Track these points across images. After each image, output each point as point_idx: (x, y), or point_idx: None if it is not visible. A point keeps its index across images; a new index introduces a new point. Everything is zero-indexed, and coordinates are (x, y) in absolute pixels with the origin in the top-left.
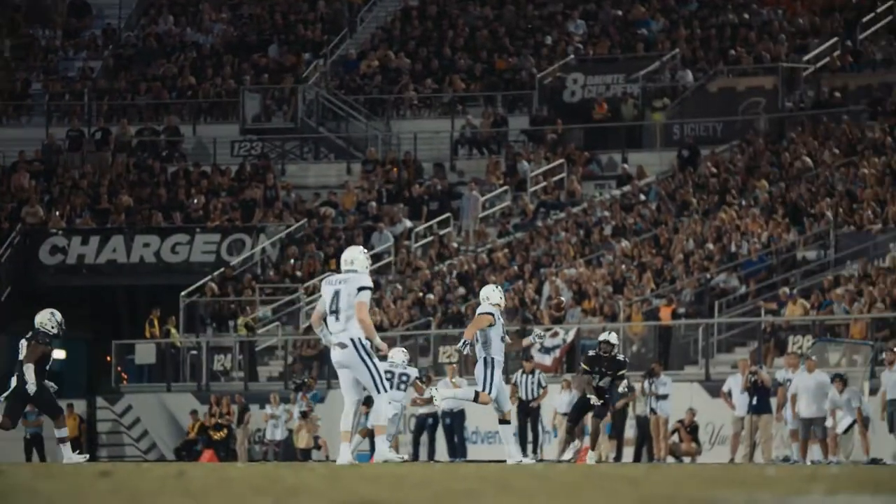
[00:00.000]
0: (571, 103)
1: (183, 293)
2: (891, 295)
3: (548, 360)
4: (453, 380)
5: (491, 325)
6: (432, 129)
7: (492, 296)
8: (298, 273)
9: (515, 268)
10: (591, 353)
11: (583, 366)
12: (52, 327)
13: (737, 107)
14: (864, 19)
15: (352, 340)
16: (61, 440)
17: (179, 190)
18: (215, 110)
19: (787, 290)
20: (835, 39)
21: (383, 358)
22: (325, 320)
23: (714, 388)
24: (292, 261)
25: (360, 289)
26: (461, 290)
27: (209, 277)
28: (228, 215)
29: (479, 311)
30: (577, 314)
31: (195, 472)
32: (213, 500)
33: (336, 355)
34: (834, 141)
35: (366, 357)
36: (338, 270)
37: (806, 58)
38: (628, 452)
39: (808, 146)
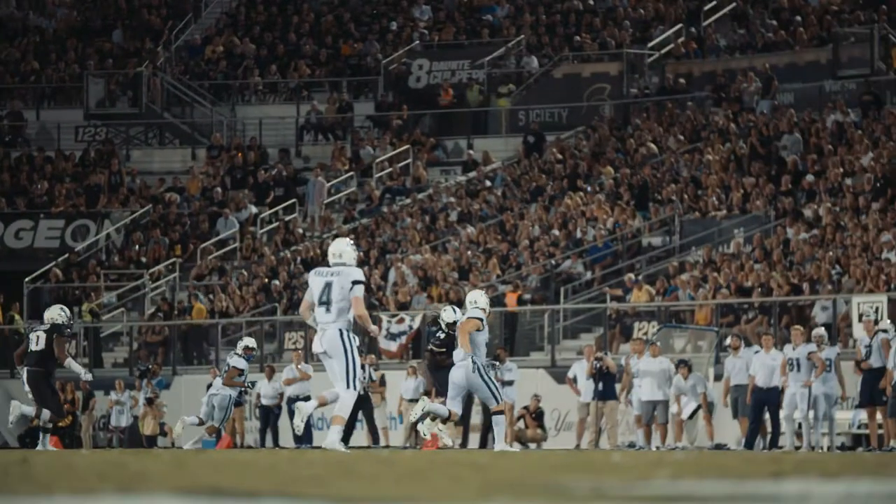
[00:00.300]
0: (417, 89)
1: (27, 279)
2: (735, 281)
3: (393, 346)
4: (299, 366)
5: (479, 330)
6: (277, 114)
7: (479, 300)
8: (143, 259)
9: (361, 254)
10: (440, 334)
11: (433, 347)
12: (62, 321)
13: (582, 93)
14: (707, 7)
15: (339, 331)
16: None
17: (23, 175)
18: (59, 95)
19: (632, 276)
20: (679, 26)
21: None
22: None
23: (560, 374)
24: (137, 247)
25: (355, 283)
26: (306, 276)
27: (53, 263)
28: (73, 201)
29: (466, 315)
30: (422, 300)
31: (39, 459)
32: (57, 487)
33: (318, 346)
34: (678, 127)
35: (348, 348)
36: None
37: (650, 44)
38: (474, 438)
39: (653, 132)
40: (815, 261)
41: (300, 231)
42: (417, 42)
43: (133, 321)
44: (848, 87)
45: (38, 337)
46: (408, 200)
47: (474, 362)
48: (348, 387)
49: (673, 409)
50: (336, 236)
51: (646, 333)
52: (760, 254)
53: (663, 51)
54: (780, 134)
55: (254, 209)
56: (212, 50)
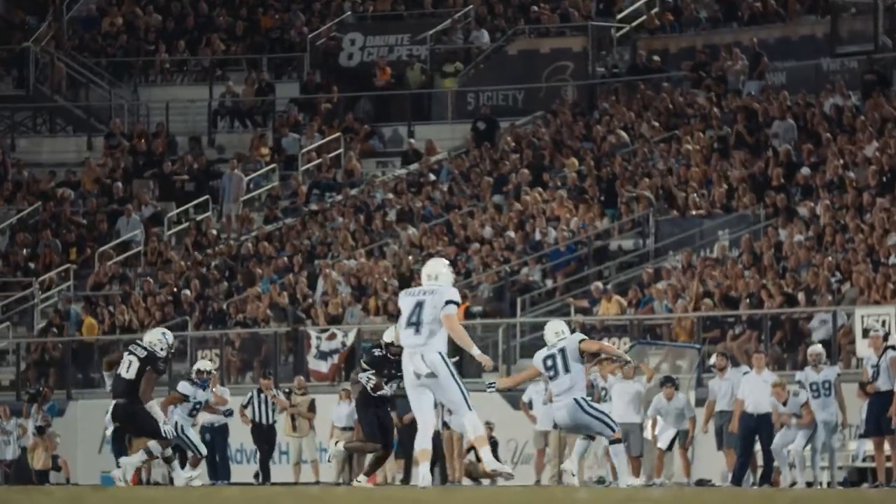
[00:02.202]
0: (349, 68)
1: None
2: (720, 289)
3: (324, 367)
4: (214, 389)
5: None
6: (187, 97)
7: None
8: (32, 265)
9: (285, 259)
10: (375, 352)
11: (363, 365)
12: (162, 349)
13: (540, 72)
14: None
15: (440, 354)
16: None
17: None
18: None
19: (599, 284)
20: None
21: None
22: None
23: (516, 398)
24: (25, 250)
25: (448, 302)
26: (223, 285)
27: None
28: None
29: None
30: (356, 313)
31: None
32: None
33: (421, 367)
34: (652, 112)
35: (452, 370)
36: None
37: (619, 16)
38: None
39: (623, 118)
40: (811, 267)
41: (214, 232)
42: (349, 13)
43: (21, 337)
44: (848, 65)
45: (130, 363)
46: (339, 197)
47: (576, 400)
48: (469, 409)
49: (646, 433)
50: (256, 239)
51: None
52: (749, 259)
53: (634, 24)
54: (770, 120)
55: (158, 207)
56: (110, 22)
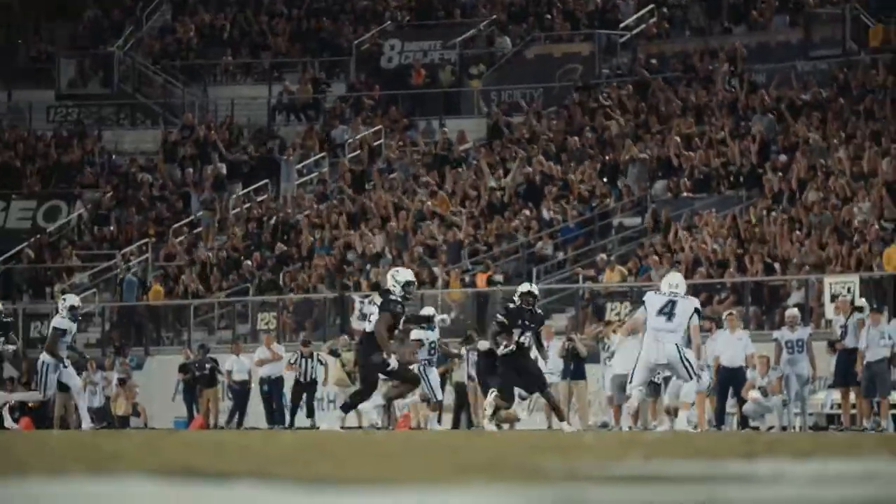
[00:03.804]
0: (389, 69)
1: None
2: (708, 261)
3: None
4: (271, 346)
5: None
6: (249, 95)
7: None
8: (116, 240)
9: (332, 232)
10: (510, 305)
11: (500, 318)
12: (398, 291)
13: (554, 74)
14: None
15: (677, 346)
16: None
17: None
18: (30, 75)
19: (604, 256)
20: (651, 6)
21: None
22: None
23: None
24: (110, 227)
25: (697, 311)
26: (278, 256)
27: (25, 244)
28: (45, 181)
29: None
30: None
31: (12, 439)
32: (30, 467)
33: (660, 356)
34: (650, 108)
35: (687, 360)
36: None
37: (622, 25)
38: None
39: (624, 111)
40: (791, 242)
41: (272, 207)
42: (389, 22)
43: (105, 302)
44: (820, 67)
45: (367, 311)
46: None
47: (677, 344)
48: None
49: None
50: (314, 214)
51: (618, 314)
52: (732, 232)
53: (635, 31)
54: (751, 114)
55: (226, 188)
56: (183, 30)
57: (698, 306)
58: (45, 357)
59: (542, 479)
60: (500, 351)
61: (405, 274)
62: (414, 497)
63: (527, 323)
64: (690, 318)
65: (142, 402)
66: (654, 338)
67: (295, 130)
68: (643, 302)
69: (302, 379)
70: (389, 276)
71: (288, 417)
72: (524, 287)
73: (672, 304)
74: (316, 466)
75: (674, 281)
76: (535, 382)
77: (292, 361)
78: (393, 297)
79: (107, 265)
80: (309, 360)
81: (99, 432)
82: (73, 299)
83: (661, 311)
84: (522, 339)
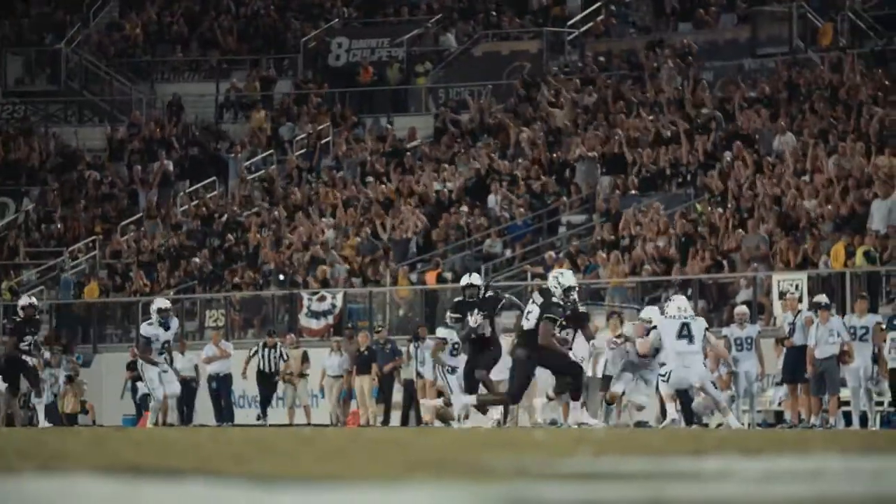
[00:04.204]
0: (337, 67)
1: None
2: (655, 260)
3: (315, 324)
4: (219, 344)
5: None
6: (197, 92)
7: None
8: (63, 237)
9: (280, 227)
10: (456, 300)
11: (450, 314)
12: (558, 293)
13: (502, 71)
14: None
15: (704, 366)
16: None
17: None
18: None
19: (552, 253)
20: (598, 4)
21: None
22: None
23: None
24: (57, 225)
25: (707, 329)
26: (225, 253)
27: None
28: None
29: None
30: (342, 271)
31: None
32: None
33: (692, 378)
34: (598, 105)
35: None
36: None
37: (570, 22)
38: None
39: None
40: (736, 236)
41: (220, 204)
42: (337, 20)
43: (53, 299)
44: (767, 65)
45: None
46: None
47: (704, 364)
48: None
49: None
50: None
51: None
52: (681, 229)
53: (582, 29)
54: (698, 111)
55: (174, 183)
56: (130, 27)
57: (706, 325)
58: (141, 365)
59: (491, 476)
60: (460, 335)
61: (569, 278)
62: (363, 494)
63: (475, 310)
64: (705, 336)
65: (90, 400)
66: (682, 363)
67: (242, 128)
68: (653, 327)
69: (266, 370)
70: (552, 278)
71: (260, 410)
72: (464, 280)
73: (687, 326)
74: (265, 464)
75: (682, 304)
76: (489, 364)
77: (252, 353)
78: (554, 300)
79: (54, 262)
80: (272, 351)
81: (46, 430)
82: (160, 302)
83: (680, 336)
84: (473, 320)
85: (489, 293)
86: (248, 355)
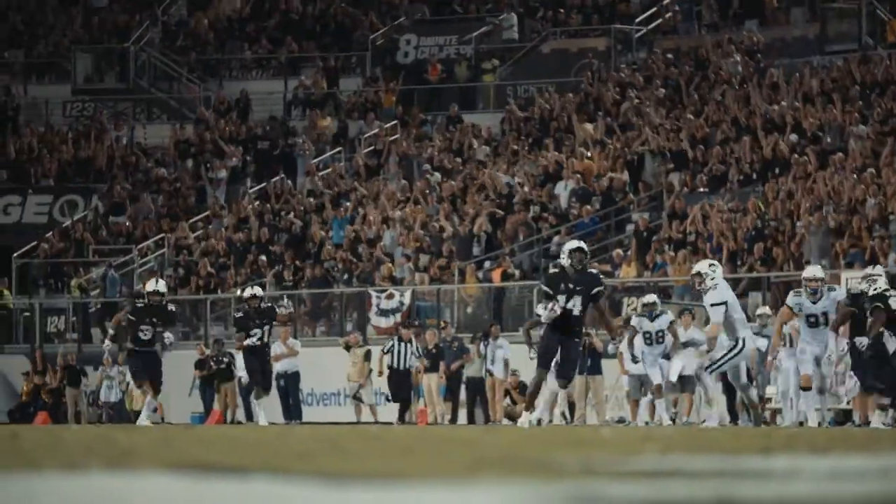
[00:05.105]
0: (405, 64)
1: (15, 255)
2: (727, 258)
3: (384, 322)
4: (287, 342)
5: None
6: (265, 89)
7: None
8: (132, 234)
9: (349, 226)
10: (551, 270)
11: (543, 287)
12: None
13: (570, 68)
14: None
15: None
16: None
17: (11, 150)
18: (47, 70)
19: (620, 251)
20: (666, 1)
21: None
22: None
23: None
24: (126, 221)
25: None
26: (294, 249)
27: (42, 238)
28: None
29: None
30: (406, 271)
31: (29, 434)
32: (46, 462)
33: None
34: (662, 101)
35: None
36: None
37: (638, 19)
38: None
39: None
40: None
41: (288, 202)
42: (405, 18)
43: (123, 297)
44: (836, 62)
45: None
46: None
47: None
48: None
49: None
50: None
51: (634, 309)
52: (750, 226)
53: (651, 26)
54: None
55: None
56: (197, 24)
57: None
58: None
59: (557, 474)
60: (544, 315)
61: (572, 242)
62: (431, 492)
63: (571, 286)
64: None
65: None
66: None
67: (310, 125)
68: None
69: (398, 367)
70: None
71: (398, 416)
72: (573, 244)
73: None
74: (331, 462)
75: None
76: (568, 367)
77: (385, 351)
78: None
79: (123, 259)
80: (408, 346)
81: (115, 427)
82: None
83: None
84: (570, 304)
85: (591, 269)
86: (382, 352)
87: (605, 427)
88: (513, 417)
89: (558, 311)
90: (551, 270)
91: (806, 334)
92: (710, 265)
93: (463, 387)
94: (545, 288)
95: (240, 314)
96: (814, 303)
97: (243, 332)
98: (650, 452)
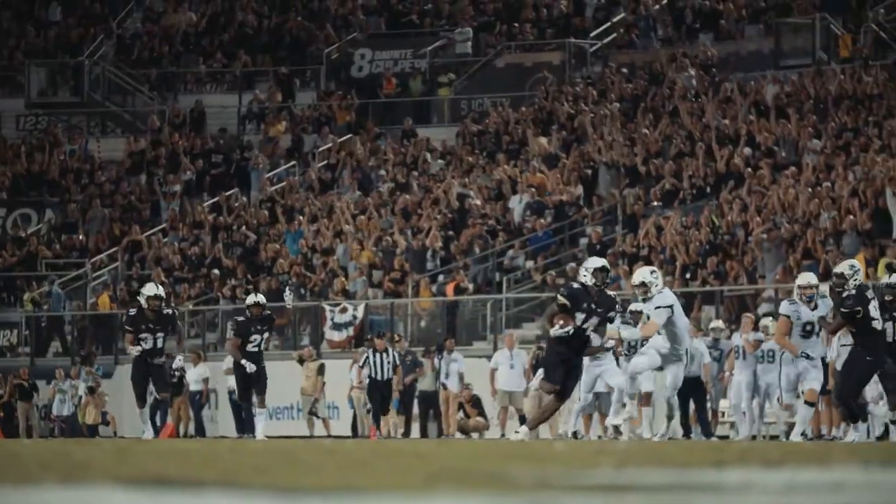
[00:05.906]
0: (359, 78)
1: None
2: (680, 272)
3: (337, 336)
4: None
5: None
6: (219, 103)
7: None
8: (85, 248)
9: (303, 240)
10: (574, 285)
11: (561, 300)
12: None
13: (524, 82)
14: None
15: None
16: None
17: None
18: (1, 83)
19: (573, 265)
20: (621, 15)
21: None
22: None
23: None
24: (80, 236)
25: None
26: (245, 263)
27: None
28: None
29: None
30: (359, 285)
31: None
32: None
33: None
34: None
35: None
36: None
37: (592, 34)
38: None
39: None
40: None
41: (242, 216)
42: (359, 32)
43: (74, 310)
44: (790, 76)
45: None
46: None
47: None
48: None
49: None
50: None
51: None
52: (704, 239)
53: (605, 40)
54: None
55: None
56: (152, 39)
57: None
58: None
59: (513, 487)
60: (554, 332)
61: (594, 260)
62: None
63: (593, 307)
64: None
65: (111, 411)
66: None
67: (264, 139)
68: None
69: (377, 377)
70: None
71: (373, 422)
72: (597, 262)
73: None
74: (286, 475)
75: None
76: (570, 385)
77: (361, 364)
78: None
79: (76, 273)
80: (384, 356)
81: (68, 441)
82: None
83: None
84: (586, 324)
85: (610, 291)
86: (359, 365)
87: (558, 441)
88: (466, 431)
89: (571, 331)
90: (574, 285)
91: (799, 345)
92: (652, 272)
93: (415, 401)
94: (564, 301)
95: (241, 319)
96: (812, 310)
97: (241, 337)
98: (605, 466)
